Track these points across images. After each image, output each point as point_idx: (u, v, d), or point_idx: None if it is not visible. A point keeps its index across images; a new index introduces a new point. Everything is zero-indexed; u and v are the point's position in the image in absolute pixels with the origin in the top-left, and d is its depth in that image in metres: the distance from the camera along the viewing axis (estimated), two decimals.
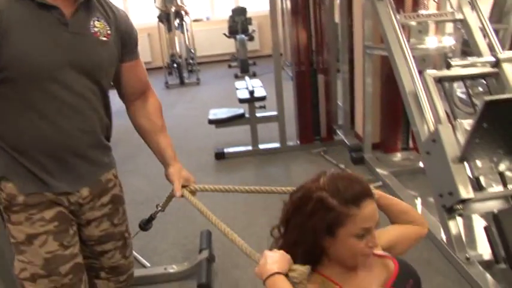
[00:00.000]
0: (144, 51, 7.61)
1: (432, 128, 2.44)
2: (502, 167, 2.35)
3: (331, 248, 1.12)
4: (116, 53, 1.39)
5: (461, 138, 2.29)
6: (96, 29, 1.32)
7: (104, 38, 1.33)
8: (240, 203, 3.12)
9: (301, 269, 1.11)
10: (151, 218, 1.71)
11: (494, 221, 2.14)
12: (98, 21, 1.33)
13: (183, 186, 1.55)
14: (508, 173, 2.37)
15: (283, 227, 1.20)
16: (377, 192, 1.25)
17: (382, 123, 3.65)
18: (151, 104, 1.59)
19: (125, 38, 1.43)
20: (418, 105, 2.62)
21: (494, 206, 2.31)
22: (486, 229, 2.14)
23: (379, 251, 1.21)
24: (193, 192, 1.58)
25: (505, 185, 2.32)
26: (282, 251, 1.15)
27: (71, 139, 1.33)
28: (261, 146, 3.97)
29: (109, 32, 1.35)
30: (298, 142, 3.98)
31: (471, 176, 2.29)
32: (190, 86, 7.14)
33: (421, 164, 3.48)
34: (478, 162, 2.32)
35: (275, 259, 1.12)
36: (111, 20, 1.37)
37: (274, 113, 3.91)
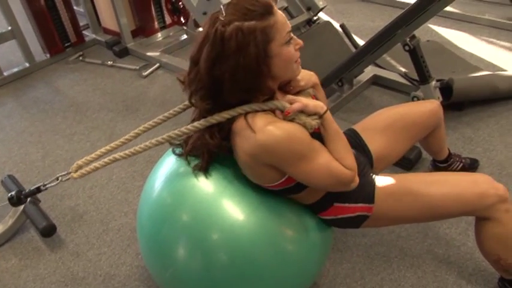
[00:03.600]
0: None
1: None
2: None
3: (272, 68, 1.12)
4: None
5: None
6: None
7: None
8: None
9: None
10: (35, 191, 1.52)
11: None
12: None
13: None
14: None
15: (212, 90, 1.14)
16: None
17: (134, 9, 3.53)
18: None
19: None
20: None
21: None
22: None
23: None
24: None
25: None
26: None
27: None
28: (6, 73, 3.37)
29: None
30: (48, 55, 3.53)
31: None
32: None
33: (184, 36, 3.60)
34: None
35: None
36: None
37: (7, 28, 3.29)
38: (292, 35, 1.15)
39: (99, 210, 2.13)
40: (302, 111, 1.15)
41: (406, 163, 2.05)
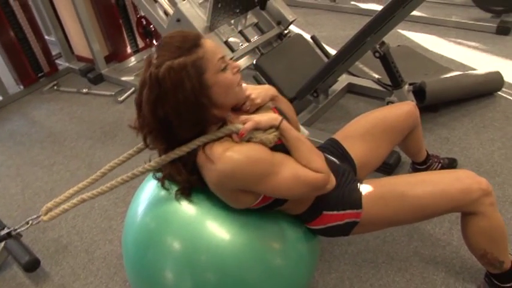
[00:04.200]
0: None
1: (170, 10, 2.52)
2: (240, 26, 2.67)
3: (212, 97, 1.14)
4: None
5: (199, 12, 2.45)
6: None
7: None
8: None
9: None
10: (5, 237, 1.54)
11: (257, 68, 2.48)
12: None
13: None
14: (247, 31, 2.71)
15: (162, 131, 1.17)
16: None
17: (105, 35, 3.53)
18: None
19: None
20: None
21: (248, 60, 2.67)
22: (255, 77, 2.46)
23: None
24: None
25: (248, 40, 2.66)
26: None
27: None
28: None
29: None
30: (22, 87, 3.50)
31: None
32: None
33: None
34: (221, 30, 2.57)
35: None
36: None
37: None
38: (227, 60, 1.17)
39: (83, 240, 2.10)
40: (258, 129, 1.17)
41: (386, 168, 2.07)
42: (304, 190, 1.20)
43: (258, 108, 1.30)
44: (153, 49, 1.13)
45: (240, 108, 1.27)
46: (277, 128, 1.18)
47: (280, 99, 1.40)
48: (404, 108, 1.69)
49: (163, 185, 1.30)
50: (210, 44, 1.15)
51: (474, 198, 1.32)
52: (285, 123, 1.20)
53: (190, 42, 1.11)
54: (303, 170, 1.18)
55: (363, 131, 1.61)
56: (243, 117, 1.19)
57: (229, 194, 1.22)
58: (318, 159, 1.21)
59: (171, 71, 1.08)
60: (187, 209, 1.27)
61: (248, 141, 1.16)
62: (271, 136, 1.17)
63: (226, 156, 1.12)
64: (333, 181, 1.23)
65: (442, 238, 1.79)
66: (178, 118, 1.12)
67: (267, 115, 1.21)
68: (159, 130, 1.17)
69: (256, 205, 1.25)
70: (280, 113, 1.35)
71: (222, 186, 1.19)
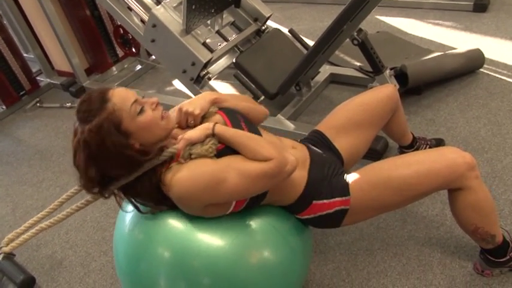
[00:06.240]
0: None
1: (146, 16, 2.50)
2: (217, 26, 2.66)
3: (139, 140, 1.18)
4: None
5: (174, 15, 2.43)
6: None
7: None
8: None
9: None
10: None
11: (237, 67, 2.47)
12: None
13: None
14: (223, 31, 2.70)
15: (104, 183, 1.20)
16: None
17: (84, 48, 3.50)
18: None
19: None
20: (121, 7, 2.63)
21: (228, 60, 2.65)
22: (236, 75, 2.45)
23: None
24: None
25: (226, 39, 2.64)
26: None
27: None
28: None
29: None
30: (4, 107, 3.46)
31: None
32: None
33: (139, 66, 3.59)
34: (198, 31, 2.55)
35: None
36: None
37: None
38: (142, 100, 1.20)
39: (78, 254, 2.08)
40: (194, 143, 1.18)
41: (374, 154, 2.06)
42: (262, 183, 1.19)
43: (203, 117, 1.31)
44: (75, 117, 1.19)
45: (187, 125, 1.30)
46: (213, 135, 1.19)
47: (222, 99, 1.38)
48: (384, 92, 1.68)
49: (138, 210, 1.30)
50: (119, 93, 1.17)
51: (460, 173, 1.32)
52: (218, 128, 1.20)
53: (98, 101, 1.14)
54: (250, 165, 1.17)
55: (345, 121, 1.61)
56: (179, 137, 1.21)
57: (200, 211, 1.23)
58: (265, 146, 1.19)
59: (92, 134, 1.12)
60: (173, 216, 1.27)
61: (191, 158, 1.18)
62: (207, 146, 1.17)
63: (173, 182, 1.16)
64: (291, 161, 1.20)
65: (436, 219, 1.79)
66: (113, 171, 1.19)
67: (198, 128, 1.21)
68: (100, 183, 1.20)
69: (234, 210, 1.26)
70: (228, 112, 1.34)
71: (186, 207, 1.22)
